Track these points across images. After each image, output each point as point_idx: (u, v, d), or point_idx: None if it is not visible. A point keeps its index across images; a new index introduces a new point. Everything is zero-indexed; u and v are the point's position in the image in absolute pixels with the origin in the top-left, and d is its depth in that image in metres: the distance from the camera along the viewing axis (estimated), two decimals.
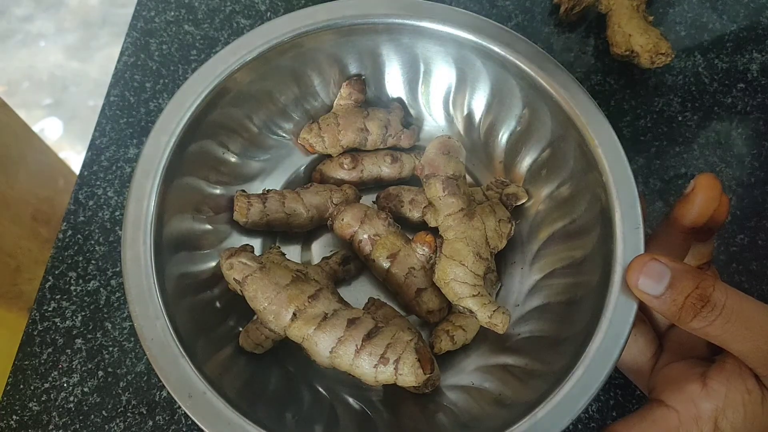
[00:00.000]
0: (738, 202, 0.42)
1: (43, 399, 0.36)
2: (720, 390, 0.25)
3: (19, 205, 0.62)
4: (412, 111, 0.40)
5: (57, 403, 0.36)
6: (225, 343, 0.32)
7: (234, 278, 0.31)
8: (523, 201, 0.37)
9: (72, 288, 0.39)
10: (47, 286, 0.39)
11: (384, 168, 0.39)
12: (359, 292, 0.37)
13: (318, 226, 0.37)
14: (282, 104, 0.38)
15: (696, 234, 0.30)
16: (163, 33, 0.48)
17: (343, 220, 0.35)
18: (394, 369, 0.29)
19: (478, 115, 0.38)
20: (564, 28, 0.48)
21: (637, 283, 0.26)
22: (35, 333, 0.38)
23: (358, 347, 0.29)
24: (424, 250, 0.34)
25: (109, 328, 0.38)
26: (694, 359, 0.28)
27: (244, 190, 0.37)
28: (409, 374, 0.29)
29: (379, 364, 0.29)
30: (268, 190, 0.37)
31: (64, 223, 0.41)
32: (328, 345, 0.29)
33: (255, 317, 0.32)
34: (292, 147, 0.39)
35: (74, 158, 1.23)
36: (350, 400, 0.33)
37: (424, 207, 0.35)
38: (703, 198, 0.29)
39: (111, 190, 0.42)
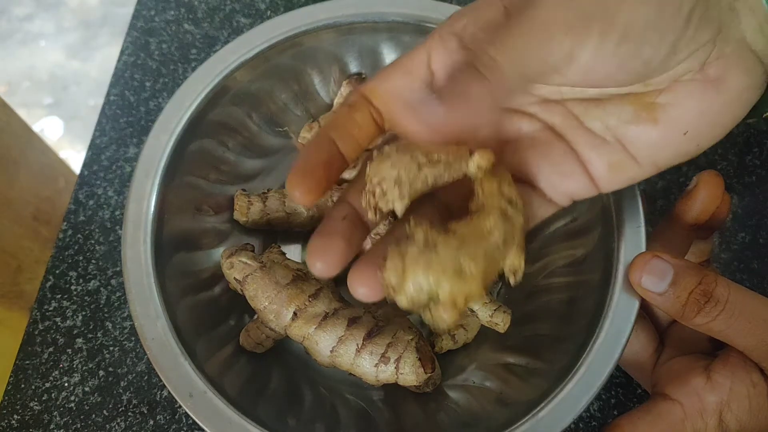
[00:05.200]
0: (739, 201, 0.42)
1: (44, 398, 0.36)
2: (724, 383, 0.25)
3: (20, 204, 0.62)
4: None
5: (58, 403, 0.36)
6: (225, 343, 0.32)
7: (234, 277, 0.31)
8: None
9: (72, 288, 0.39)
10: (48, 285, 0.39)
11: None
12: None
13: (318, 225, 0.37)
14: (282, 103, 0.38)
15: (697, 231, 0.30)
16: (163, 32, 0.48)
17: None
18: (395, 368, 0.29)
19: None
20: None
21: (640, 280, 0.26)
22: (36, 332, 0.38)
23: (359, 346, 0.29)
24: None
25: (110, 327, 0.38)
26: (697, 354, 0.28)
27: (244, 189, 0.36)
28: (410, 373, 0.29)
29: (380, 363, 0.29)
30: (269, 189, 0.37)
31: (65, 223, 0.41)
32: (328, 344, 0.29)
33: (256, 316, 0.32)
34: (293, 146, 0.39)
35: (75, 158, 1.23)
36: (351, 399, 0.33)
37: None
38: (705, 195, 0.29)
39: (111, 190, 0.42)
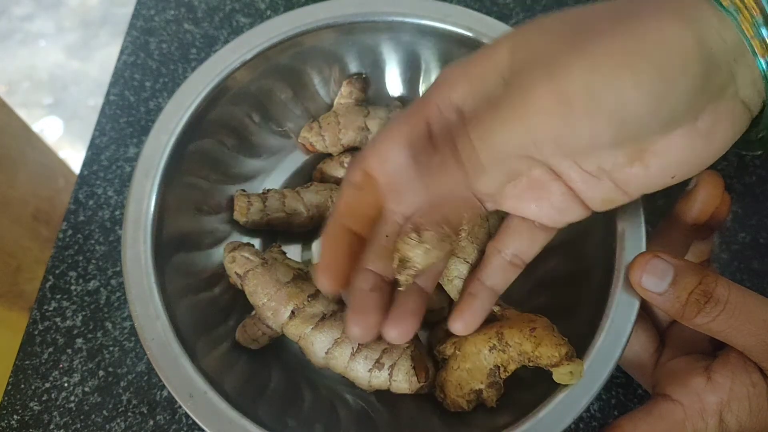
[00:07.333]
0: (739, 200, 0.42)
1: (44, 399, 0.36)
2: (725, 383, 0.25)
3: (20, 204, 0.62)
4: None
5: (58, 403, 0.36)
6: (226, 343, 0.32)
7: (236, 272, 0.31)
8: None
9: (72, 288, 0.39)
10: (48, 285, 0.39)
11: None
12: None
13: (318, 225, 0.37)
14: (282, 103, 0.37)
15: (697, 231, 0.30)
16: (163, 32, 0.48)
17: None
18: (389, 375, 0.29)
19: None
20: None
21: (640, 280, 0.26)
22: (36, 333, 0.38)
23: (354, 350, 0.29)
24: None
25: (110, 327, 0.38)
26: (697, 354, 0.28)
27: (244, 190, 0.36)
28: (403, 381, 0.29)
29: (374, 368, 0.29)
30: (268, 190, 0.37)
31: (65, 223, 0.41)
32: (324, 345, 0.29)
33: (253, 312, 0.32)
34: (293, 146, 0.39)
35: (74, 157, 1.23)
36: (351, 399, 0.33)
37: None
38: (705, 195, 0.29)
39: (111, 190, 0.42)
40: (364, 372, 0.29)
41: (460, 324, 0.27)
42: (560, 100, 0.21)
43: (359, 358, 0.29)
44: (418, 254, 0.24)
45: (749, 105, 0.23)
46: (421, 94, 0.39)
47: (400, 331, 0.26)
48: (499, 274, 0.28)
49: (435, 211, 0.25)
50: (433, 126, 0.25)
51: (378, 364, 0.29)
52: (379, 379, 0.29)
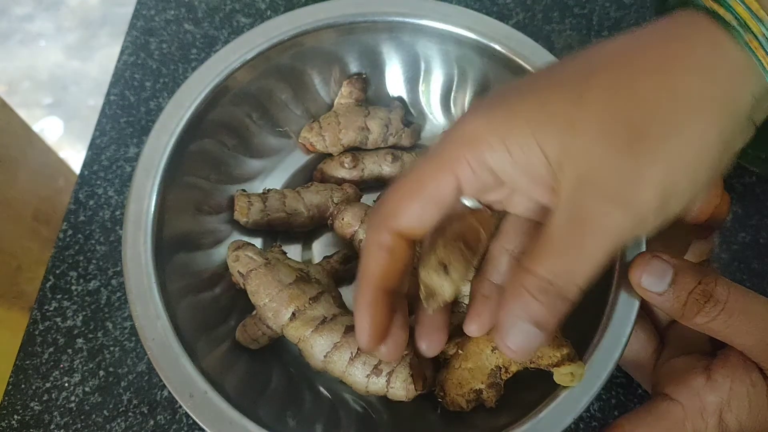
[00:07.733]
0: (739, 200, 0.42)
1: (44, 399, 0.36)
2: (724, 383, 0.25)
3: (20, 204, 0.62)
4: (412, 110, 0.40)
5: (58, 403, 0.36)
6: (226, 343, 0.32)
7: (238, 270, 0.31)
8: None
9: (73, 288, 0.39)
10: (48, 285, 0.39)
11: (385, 167, 0.39)
12: None
13: (319, 225, 0.37)
14: (282, 103, 0.38)
15: (697, 231, 0.30)
16: (163, 32, 0.48)
17: (343, 219, 0.35)
18: (387, 381, 0.29)
19: None
20: (565, 25, 0.48)
21: (640, 280, 0.26)
22: (36, 333, 0.38)
23: (353, 355, 0.29)
24: None
25: (110, 327, 0.38)
26: (697, 354, 0.28)
27: (244, 190, 0.36)
28: (400, 388, 0.29)
29: (372, 374, 0.29)
30: (269, 190, 0.37)
31: (65, 223, 0.41)
32: (323, 349, 0.29)
33: (254, 312, 0.32)
34: (293, 146, 0.39)
35: (74, 157, 1.23)
36: (351, 400, 0.33)
37: None
38: (704, 195, 0.29)
39: (111, 190, 0.42)
40: (362, 377, 0.29)
41: (475, 326, 0.27)
42: (636, 220, 0.22)
43: (357, 363, 0.29)
44: (447, 289, 0.24)
45: (757, 122, 0.23)
46: (421, 94, 0.39)
47: (429, 344, 0.27)
48: (509, 272, 0.28)
49: (457, 243, 0.25)
50: (464, 185, 0.23)
51: (376, 369, 0.29)
52: (377, 385, 0.29)
